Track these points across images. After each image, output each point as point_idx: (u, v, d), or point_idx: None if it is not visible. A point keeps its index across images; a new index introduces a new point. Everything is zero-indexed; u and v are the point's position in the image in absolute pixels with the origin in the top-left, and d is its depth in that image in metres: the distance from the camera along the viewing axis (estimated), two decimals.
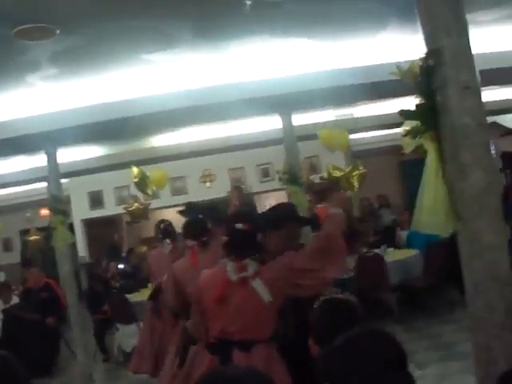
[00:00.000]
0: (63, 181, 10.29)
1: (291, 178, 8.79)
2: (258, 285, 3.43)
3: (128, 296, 9.91)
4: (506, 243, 2.71)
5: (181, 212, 6.16)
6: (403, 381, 1.93)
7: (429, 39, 2.83)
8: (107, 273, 11.91)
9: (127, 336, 9.31)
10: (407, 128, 2.82)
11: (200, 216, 5.46)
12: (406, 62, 2.80)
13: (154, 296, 7.04)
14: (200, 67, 8.27)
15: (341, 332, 2.10)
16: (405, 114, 2.85)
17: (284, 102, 8.78)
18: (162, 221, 7.42)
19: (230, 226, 3.64)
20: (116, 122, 8.79)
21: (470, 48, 2.78)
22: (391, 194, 16.89)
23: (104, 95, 8.48)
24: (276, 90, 8.43)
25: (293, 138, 9.39)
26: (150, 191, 11.60)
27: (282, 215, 3.90)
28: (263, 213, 4.26)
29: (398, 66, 2.75)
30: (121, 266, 11.69)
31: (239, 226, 3.57)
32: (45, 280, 10.50)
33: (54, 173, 9.37)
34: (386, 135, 15.98)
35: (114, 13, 5.88)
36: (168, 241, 6.86)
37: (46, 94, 8.09)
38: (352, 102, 10.66)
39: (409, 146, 2.83)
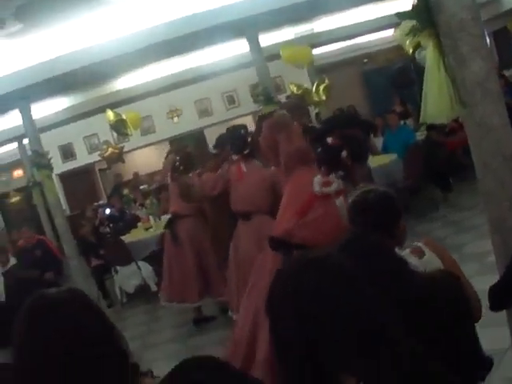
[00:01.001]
0: None
1: (266, 98, 8.90)
2: (339, 203, 3.55)
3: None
4: (509, 124, 2.95)
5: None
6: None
7: None
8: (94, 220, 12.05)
9: (127, 277, 9.38)
10: (403, 30, 2.98)
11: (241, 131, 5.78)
12: None
13: (171, 224, 7.17)
14: (159, 2, 8.24)
15: None
16: (401, 16, 3.03)
17: (249, 24, 8.81)
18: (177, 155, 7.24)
19: (322, 140, 3.70)
20: (84, 70, 8.75)
21: None
22: (357, 104, 17.07)
23: (69, 45, 8.42)
24: (240, 14, 8.46)
25: (263, 59, 9.49)
26: (129, 131, 11.60)
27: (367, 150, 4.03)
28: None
29: None
30: (108, 211, 11.79)
31: (329, 140, 3.64)
32: (37, 237, 10.59)
33: (31, 129, 9.33)
34: (347, 47, 16.08)
35: None
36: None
37: (13, 52, 8.01)
38: (312, 16, 10.69)
39: (409, 45, 3.01)
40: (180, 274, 7.02)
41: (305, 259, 1.70)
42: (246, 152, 5.56)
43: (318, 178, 3.66)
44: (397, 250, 2.60)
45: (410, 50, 11.30)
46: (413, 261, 2.58)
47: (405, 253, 2.66)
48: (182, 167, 6.81)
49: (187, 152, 7.36)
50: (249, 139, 5.58)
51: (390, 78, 17.39)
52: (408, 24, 2.96)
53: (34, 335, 1.78)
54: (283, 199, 3.92)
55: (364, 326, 1.57)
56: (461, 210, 8.79)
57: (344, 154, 3.54)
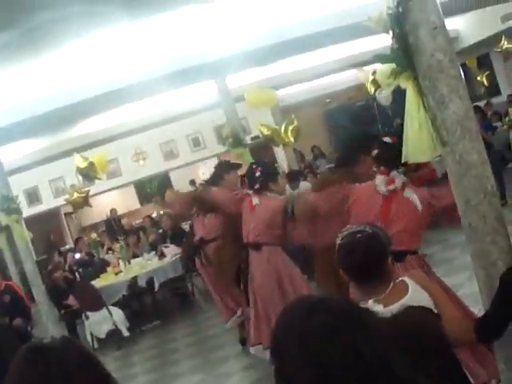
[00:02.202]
0: None
1: (235, 140, 9.00)
2: (408, 194, 3.73)
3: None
4: (487, 160, 3.06)
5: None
6: None
7: None
8: (62, 265, 11.91)
9: (98, 322, 9.29)
10: (383, 73, 3.10)
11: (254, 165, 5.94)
12: (373, 12, 3.07)
13: (198, 250, 7.22)
14: (133, 45, 8.35)
15: None
16: (380, 59, 3.14)
17: (218, 67, 8.95)
18: None
19: (379, 140, 3.90)
20: (49, 114, 8.78)
21: None
22: (321, 143, 17.34)
23: (36, 89, 8.44)
24: (210, 57, 8.60)
25: (230, 101, 9.62)
26: (99, 175, 11.55)
27: (371, 139, 4.28)
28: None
29: (369, 17, 3.01)
30: (77, 256, 11.68)
31: (387, 139, 3.84)
32: (4, 283, 10.36)
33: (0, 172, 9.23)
34: (309, 88, 16.37)
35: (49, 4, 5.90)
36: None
37: None
38: (278, 58, 10.90)
39: (388, 86, 3.11)
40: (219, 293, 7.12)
41: (307, 303, 1.75)
42: (256, 187, 5.67)
43: (380, 179, 3.83)
44: (361, 303, 2.68)
45: (372, 90, 11.64)
46: (377, 308, 2.64)
47: (368, 304, 2.72)
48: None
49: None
50: (257, 174, 5.69)
51: (352, 116, 17.71)
52: (387, 68, 3.07)
53: (34, 382, 1.76)
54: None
55: (370, 361, 1.62)
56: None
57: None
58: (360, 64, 12.30)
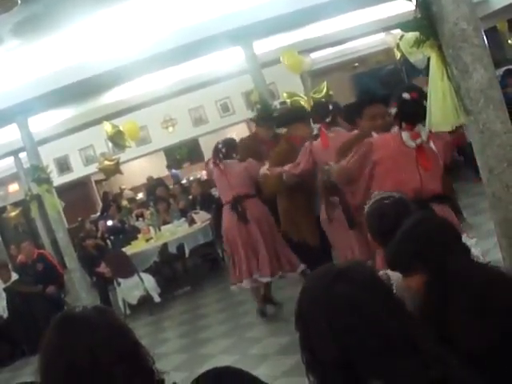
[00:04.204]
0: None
1: (263, 106, 8.96)
2: (432, 145, 3.88)
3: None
4: None
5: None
6: (463, 249, 2.29)
7: None
8: (94, 233, 12.12)
9: (130, 289, 9.44)
10: (408, 42, 3.07)
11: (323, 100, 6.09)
12: None
13: (236, 206, 7.10)
14: (156, 15, 8.34)
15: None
16: (404, 27, 3.12)
17: (244, 33, 8.91)
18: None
19: (398, 97, 3.93)
20: (81, 83, 8.81)
21: None
22: None
23: (66, 58, 8.50)
24: (235, 23, 8.57)
25: (258, 66, 9.60)
26: (127, 143, 11.64)
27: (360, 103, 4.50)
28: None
29: None
30: (109, 223, 11.84)
31: (406, 95, 3.87)
32: (37, 252, 10.59)
33: (29, 143, 9.36)
34: (338, 52, 16.17)
35: None
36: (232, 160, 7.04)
37: (11, 67, 8.08)
38: (305, 23, 10.78)
39: (412, 54, 3.10)
40: (250, 251, 6.97)
41: (332, 272, 1.78)
42: (328, 120, 5.65)
43: (406, 135, 3.89)
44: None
45: (398, 55, 11.46)
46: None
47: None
48: (224, 149, 7.00)
49: (229, 138, 7.60)
50: (330, 107, 5.73)
51: (380, 81, 17.51)
52: (411, 36, 3.05)
53: (63, 350, 1.81)
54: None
55: (393, 333, 1.65)
56: None
57: (425, 103, 3.70)
58: (388, 28, 12.12)
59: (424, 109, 3.27)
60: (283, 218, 6.53)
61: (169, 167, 19.24)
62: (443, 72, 2.99)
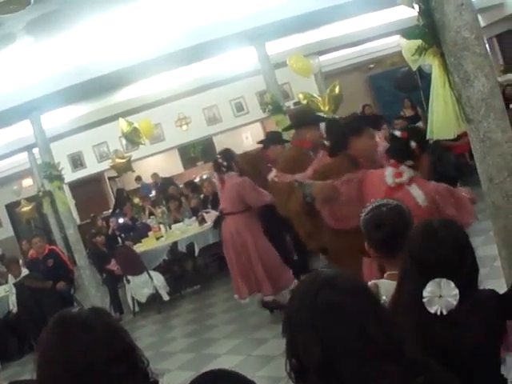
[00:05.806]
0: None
1: (275, 107, 8.99)
2: (413, 189, 3.74)
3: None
4: None
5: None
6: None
7: None
8: (105, 229, 12.17)
9: (139, 286, 9.49)
10: (410, 49, 3.07)
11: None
12: None
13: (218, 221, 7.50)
14: (171, 14, 8.37)
15: None
16: (407, 34, 3.11)
17: (257, 34, 8.93)
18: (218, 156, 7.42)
19: (390, 134, 4.01)
20: (93, 82, 8.87)
21: None
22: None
23: (79, 56, 8.55)
24: (249, 24, 8.60)
25: (270, 67, 9.61)
26: (142, 141, 11.68)
27: (359, 121, 4.46)
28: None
29: None
30: (121, 220, 11.89)
31: (397, 133, 3.91)
32: (48, 247, 10.64)
33: (42, 139, 9.43)
34: (353, 53, 16.14)
35: None
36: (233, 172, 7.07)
37: (24, 64, 8.14)
38: (318, 25, 10.78)
39: (415, 62, 3.09)
40: (231, 270, 7.28)
41: (319, 279, 1.79)
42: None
43: (389, 171, 3.85)
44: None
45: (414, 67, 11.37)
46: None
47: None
48: (225, 163, 7.03)
49: (225, 149, 7.47)
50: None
51: (395, 82, 17.47)
52: (414, 43, 3.04)
53: (59, 350, 1.84)
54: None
55: (378, 340, 1.66)
56: None
57: (413, 144, 3.75)
58: (402, 30, 12.05)
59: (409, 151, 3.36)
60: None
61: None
62: (445, 80, 2.99)
